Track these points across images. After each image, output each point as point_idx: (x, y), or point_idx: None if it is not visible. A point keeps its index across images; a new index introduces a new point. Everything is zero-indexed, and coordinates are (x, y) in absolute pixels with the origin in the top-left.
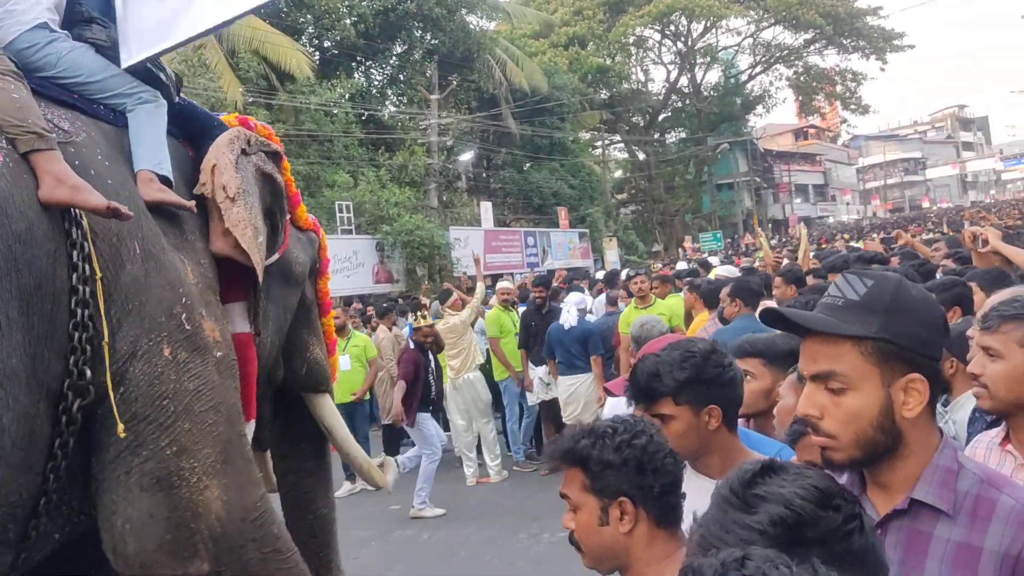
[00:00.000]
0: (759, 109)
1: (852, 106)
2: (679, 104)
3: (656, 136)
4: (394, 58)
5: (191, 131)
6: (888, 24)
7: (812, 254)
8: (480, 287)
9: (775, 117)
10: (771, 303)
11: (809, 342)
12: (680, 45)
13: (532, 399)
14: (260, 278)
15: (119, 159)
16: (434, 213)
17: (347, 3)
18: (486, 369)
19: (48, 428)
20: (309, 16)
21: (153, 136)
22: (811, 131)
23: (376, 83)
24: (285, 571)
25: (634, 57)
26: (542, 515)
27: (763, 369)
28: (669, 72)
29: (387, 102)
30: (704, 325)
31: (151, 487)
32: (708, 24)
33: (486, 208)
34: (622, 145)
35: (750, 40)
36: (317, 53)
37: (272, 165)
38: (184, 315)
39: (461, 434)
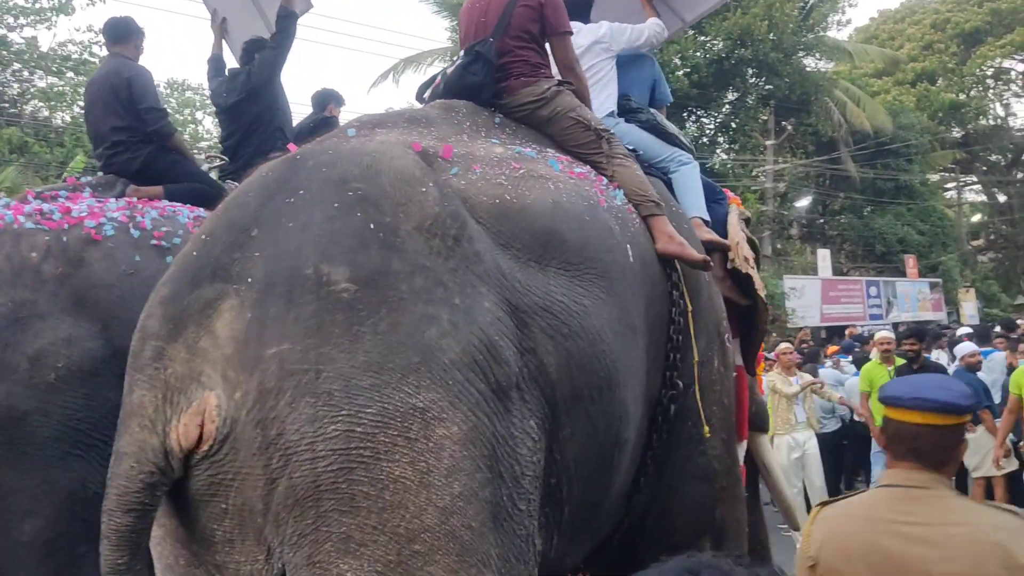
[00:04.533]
0: None
1: None
2: None
3: (1020, 176)
4: (727, 105)
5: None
6: None
7: None
8: None
9: None
10: None
11: None
12: None
13: None
14: (765, 323)
15: (677, 212)
16: (767, 262)
17: (680, 55)
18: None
19: (647, 427)
20: None
21: (695, 189)
22: None
23: (708, 131)
24: None
25: (992, 91)
26: None
27: None
28: None
29: (718, 149)
30: None
31: (699, 477)
32: None
33: (823, 256)
34: (979, 187)
35: None
36: None
37: (747, 231)
38: (726, 334)
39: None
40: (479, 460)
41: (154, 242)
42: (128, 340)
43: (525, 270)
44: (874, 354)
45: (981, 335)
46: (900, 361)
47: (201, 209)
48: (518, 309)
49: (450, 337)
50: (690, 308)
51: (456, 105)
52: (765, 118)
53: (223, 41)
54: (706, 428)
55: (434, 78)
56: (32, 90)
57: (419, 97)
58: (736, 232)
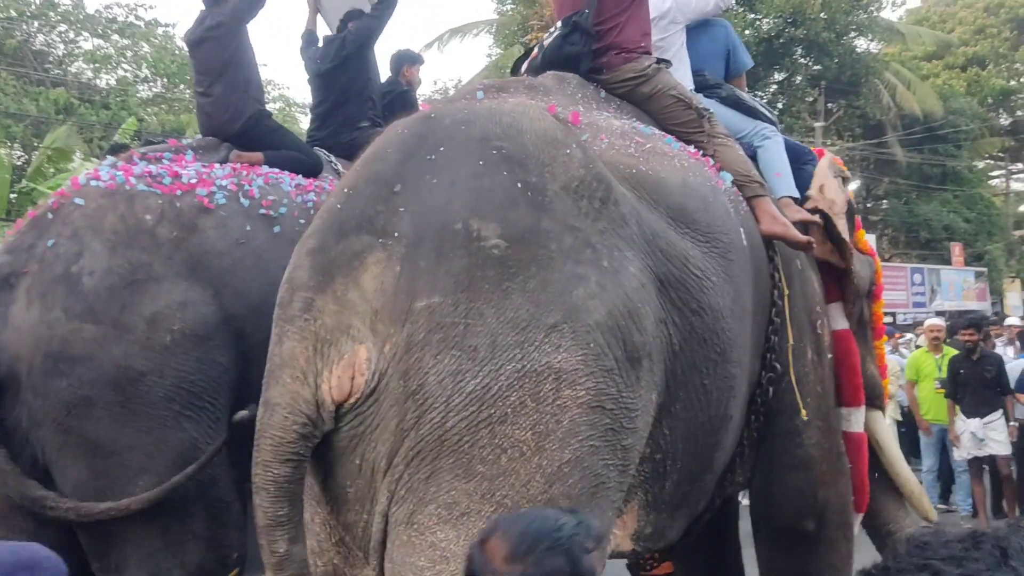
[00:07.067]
0: None
1: None
2: None
3: None
4: (773, 85)
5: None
6: None
7: None
8: None
9: None
10: None
11: None
12: None
13: (959, 454)
14: (854, 282)
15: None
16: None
17: None
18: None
19: (746, 410)
20: None
21: (782, 166)
22: None
23: None
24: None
25: None
26: None
27: None
28: None
29: None
30: None
31: (797, 467)
32: None
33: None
34: None
35: None
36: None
37: (845, 189)
38: (818, 321)
39: None
40: (597, 427)
41: (262, 211)
42: (237, 308)
43: (664, 240)
44: (922, 341)
45: None
46: (950, 351)
47: (300, 177)
48: (658, 278)
49: (597, 299)
50: (787, 293)
51: (567, 77)
52: (813, 99)
53: (318, 16)
54: (803, 412)
55: (530, 50)
56: (77, 52)
57: (515, 70)
58: (823, 178)
